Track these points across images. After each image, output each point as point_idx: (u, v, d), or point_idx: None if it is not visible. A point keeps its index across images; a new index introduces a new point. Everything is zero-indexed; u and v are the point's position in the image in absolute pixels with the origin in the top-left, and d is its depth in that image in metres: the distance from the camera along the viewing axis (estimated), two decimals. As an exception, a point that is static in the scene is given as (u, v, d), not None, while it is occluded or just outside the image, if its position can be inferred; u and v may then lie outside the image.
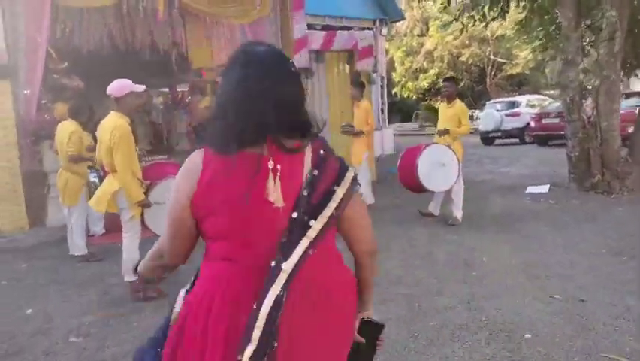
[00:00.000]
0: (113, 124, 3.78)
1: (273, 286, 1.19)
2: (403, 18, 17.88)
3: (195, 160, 1.29)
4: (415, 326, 3.25)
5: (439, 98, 28.62)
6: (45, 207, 6.78)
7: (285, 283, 1.19)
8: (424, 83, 27.97)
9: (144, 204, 3.87)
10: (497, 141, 17.52)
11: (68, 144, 5.13)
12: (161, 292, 3.96)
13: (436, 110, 29.15)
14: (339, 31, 9.29)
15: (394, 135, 16.43)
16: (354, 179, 1.31)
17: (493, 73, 26.83)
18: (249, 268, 1.24)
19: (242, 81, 1.25)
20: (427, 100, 29.48)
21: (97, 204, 4.06)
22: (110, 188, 3.92)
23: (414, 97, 29.46)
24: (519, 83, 29.14)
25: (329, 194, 1.25)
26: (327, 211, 1.24)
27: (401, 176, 6.12)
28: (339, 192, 1.26)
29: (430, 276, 4.19)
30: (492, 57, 24.94)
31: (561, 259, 4.46)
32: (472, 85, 27.91)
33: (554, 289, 3.74)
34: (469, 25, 9.50)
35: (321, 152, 1.29)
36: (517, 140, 17.02)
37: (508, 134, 17.14)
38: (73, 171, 5.24)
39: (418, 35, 27.85)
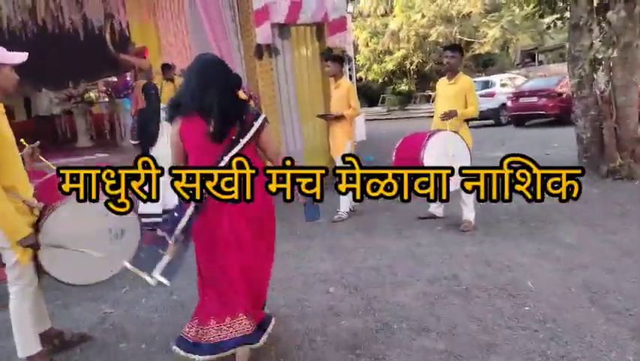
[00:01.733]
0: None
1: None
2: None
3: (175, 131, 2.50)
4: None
5: (403, 80, 27.72)
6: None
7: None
8: (389, 65, 26.81)
9: (30, 246, 2.41)
10: (470, 123, 16.63)
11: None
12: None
13: (401, 94, 28.01)
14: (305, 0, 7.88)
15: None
16: (265, 118, 2.54)
17: (460, 53, 25.93)
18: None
19: (199, 80, 2.46)
20: (393, 84, 28.41)
21: None
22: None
23: (379, 80, 28.32)
24: (484, 64, 28.44)
25: (251, 127, 2.47)
26: (249, 135, 2.45)
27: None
28: (256, 125, 2.48)
29: (466, 316, 2.98)
30: (459, 36, 23.98)
31: (628, 276, 3.35)
32: (437, 67, 26.97)
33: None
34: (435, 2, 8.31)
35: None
36: (491, 121, 16.27)
37: (482, 115, 16.27)
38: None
39: (381, 15, 26.61)
